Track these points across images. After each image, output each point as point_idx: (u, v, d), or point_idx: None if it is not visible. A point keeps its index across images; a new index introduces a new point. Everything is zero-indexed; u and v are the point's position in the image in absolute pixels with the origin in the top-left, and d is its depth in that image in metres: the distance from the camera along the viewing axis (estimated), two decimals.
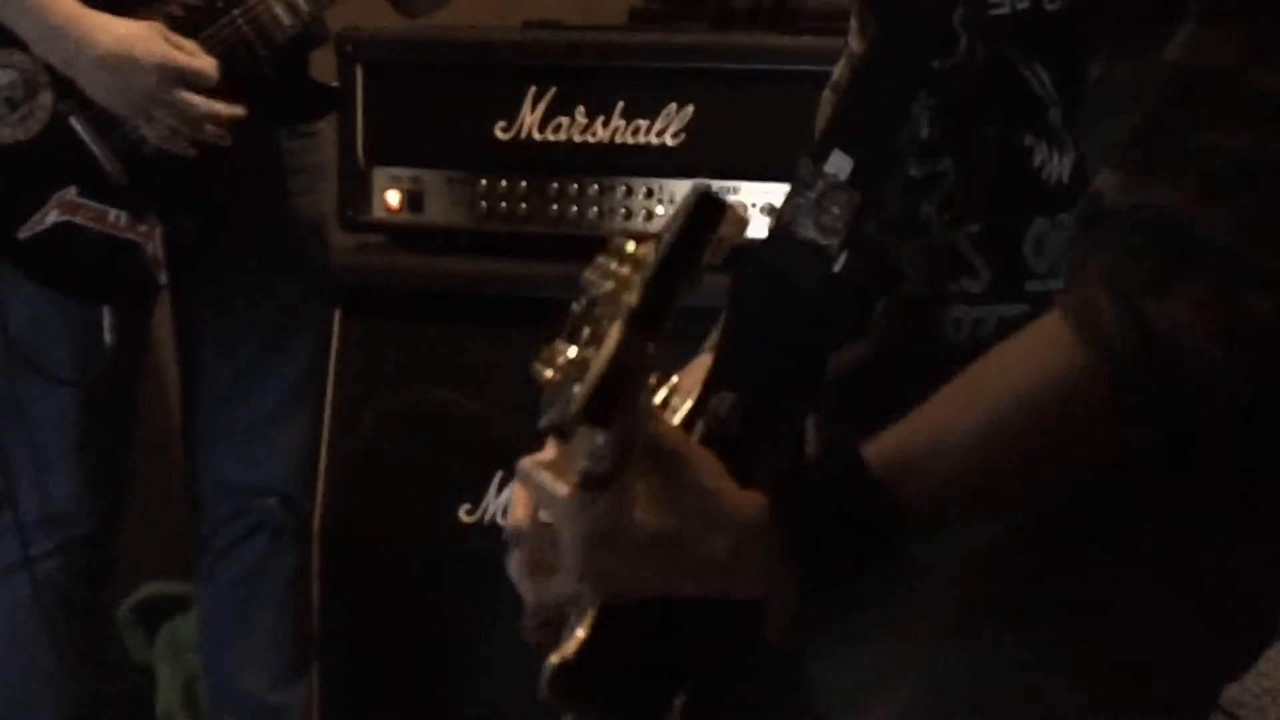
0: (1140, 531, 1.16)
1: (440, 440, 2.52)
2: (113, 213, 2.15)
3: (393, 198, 2.53)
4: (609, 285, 0.97)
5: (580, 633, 1.13)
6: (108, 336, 2.19)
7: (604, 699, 1.17)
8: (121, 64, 2.06)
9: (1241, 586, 1.19)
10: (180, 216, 2.16)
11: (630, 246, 0.97)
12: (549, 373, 0.98)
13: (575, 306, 1.02)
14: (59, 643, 2.29)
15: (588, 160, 2.45)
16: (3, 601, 2.31)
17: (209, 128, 2.11)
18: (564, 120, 2.45)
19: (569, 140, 2.45)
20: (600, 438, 0.96)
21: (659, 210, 2.43)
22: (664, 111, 2.40)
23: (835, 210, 1.21)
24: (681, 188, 2.42)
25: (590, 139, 2.44)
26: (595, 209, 2.46)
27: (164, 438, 2.76)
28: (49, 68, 2.11)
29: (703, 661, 1.18)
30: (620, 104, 2.42)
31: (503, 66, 2.50)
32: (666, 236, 0.96)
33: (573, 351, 0.96)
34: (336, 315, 2.54)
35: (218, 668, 2.40)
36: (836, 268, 1.20)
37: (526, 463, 1.11)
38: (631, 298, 0.95)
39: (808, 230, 1.22)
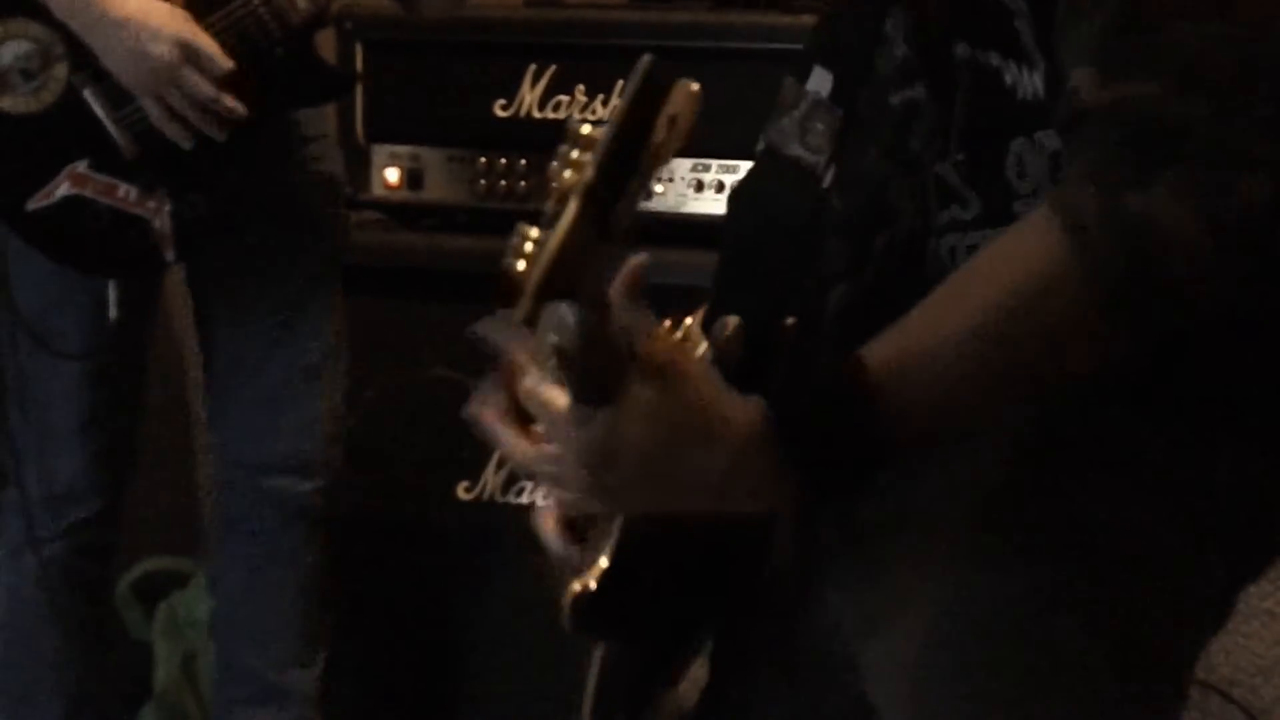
0: (1138, 456, 1.15)
1: (439, 417, 2.52)
2: (123, 187, 2.14)
3: (392, 175, 2.53)
4: (568, 170, 0.98)
5: (602, 561, 1.13)
6: (113, 311, 2.19)
7: (626, 628, 1.18)
8: (141, 31, 2.06)
9: (1242, 504, 1.18)
10: (191, 193, 2.16)
11: (585, 129, 0.98)
12: (520, 265, 0.98)
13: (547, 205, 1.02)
14: (63, 622, 2.30)
15: None
16: (9, 581, 2.31)
17: (209, 119, 2.10)
18: (564, 99, 2.45)
19: (569, 119, 2.44)
20: (570, 317, 0.94)
21: (657, 189, 2.43)
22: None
23: (820, 127, 1.21)
24: (681, 167, 2.42)
25: (590, 117, 2.44)
26: None
27: (163, 413, 2.77)
28: (65, 40, 2.10)
29: (723, 591, 1.18)
30: (620, 82, 2.42)
31: (503, 44, 2.50)
32: (615, 111, 0.97)
33: (534, 233, 0.97)
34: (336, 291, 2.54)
35: (229, 648, 2.40)
36: (825, 184, 1.20)
37: (529, 383, 1.09)
38: (586, 173, 0.95)
39: (794, 149, 1.22)
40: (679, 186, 2.42)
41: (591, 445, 1.03)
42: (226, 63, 2.09)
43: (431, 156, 2.52)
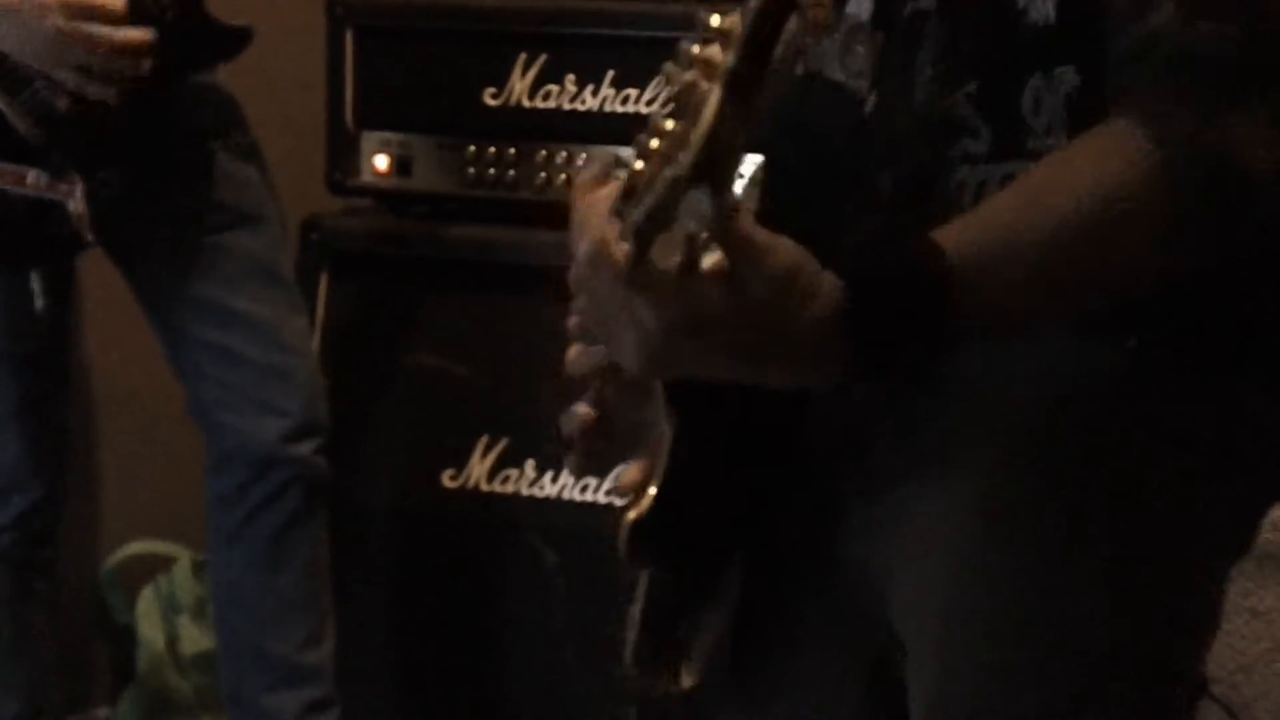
0: (1159, 401, 1.16)
1: (425, 405, 2.52)
2: (32, 173, 2.12)
3: (381, 162, 2.53)
4: (698, 63, 0.95)
5: (651, 489, 1.16)
6: (38, 302, 2.19)
7: (676, 553, 1.20)
8: (23, 7, 2.05)
9: (1259, 450, 1.20)
10: (102, 170, 2.14)
11: (715, 20, 0.96)
12: (639, 164, 0.97)
13: (659, 107, 1.00)
14: (19, 609, 2.30)
15: (577, 128, 2.44)
16: None
17: (123, 61, 2.09)
18: (554, 88, 2.44)
19: (558, 108, 2.44)
20: (706, 204, 0.94)
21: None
22: (654, 80, 2.40)
23: (860, 50, 1.20)
24: None
25: (580, 107, 2.44)
26: None
27: (142, 396, 2.76)
28: None
29: (763, 508, 1.20)
30: (610, 72, 2.42)
31: (493, 33, 2.49)
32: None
33: (669, 124, 0.94)
34: (323, 278, 2.54)
35: (242, 635, 2.38)
36: (867, 110, 1.20)
37: (608, 247, 1.05)
38: (728, 59, 0.94)
39: (835, 72, 1.21)
40: None
41: (686, 309, 1.02)
42: (119, 4, 2.07)
43: (421, 144, 2.52)
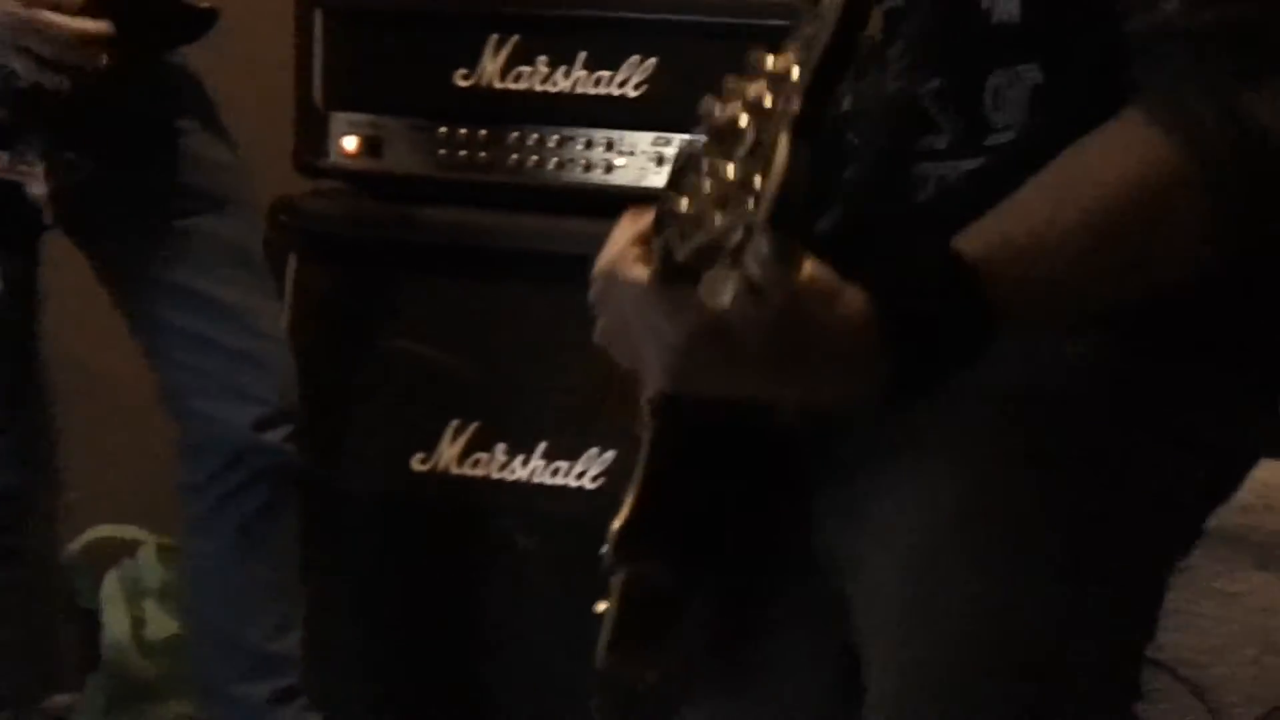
0: (1126, 386, 1.17)
1: (395, 388, 2.51)
2: None
3: (350, 143, 2.52)
4: (748, 103, 0.94)
5: (631, 496, 1.18)
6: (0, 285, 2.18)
7: (661, 552, 1.21)
8: None
9: (1221, 434, 1.21)
10: (67, 152, 2.13)
11: (769, 61, 0.95)
12: (684, 201, 0.96)
13: (687, 146, 1.00)
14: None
15: (548, 110, 2.43)
16: None
17: (80, 51, 2.07)
18: (525, 69, 2.43)
19: (530, 90, 2.43)
20: (772, 251, 0.92)
21: (619, 162, 2.42)
22: (626, 63, 2.39)
23: None
24: (643, 140, 2.41)
25: (551, 89, 2.43)
26: (555, 159, 2.44)
27: (108, 380, 2.75)
28: None
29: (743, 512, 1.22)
30: (582, 54, 2.41)
31: (464, 13, 2.48)
32: (820, 38, 0.94)
33: (731, 170, 0.93)
34: (292, 260, 2.52)
35: (212, 623, 2.37)
36: (844, 108, 1.19)
37: (615, 261, 1.08)
38: (795, 104, 0.93)
39: None
40: (640, 160, 2.41)
41: (704, 319, 1.01)
42: None
43: (391, 125, 2.50)
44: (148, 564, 2.73)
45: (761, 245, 0.92)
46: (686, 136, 2.45)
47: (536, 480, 2.44)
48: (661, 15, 2.39)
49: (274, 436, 2.30)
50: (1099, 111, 1.11)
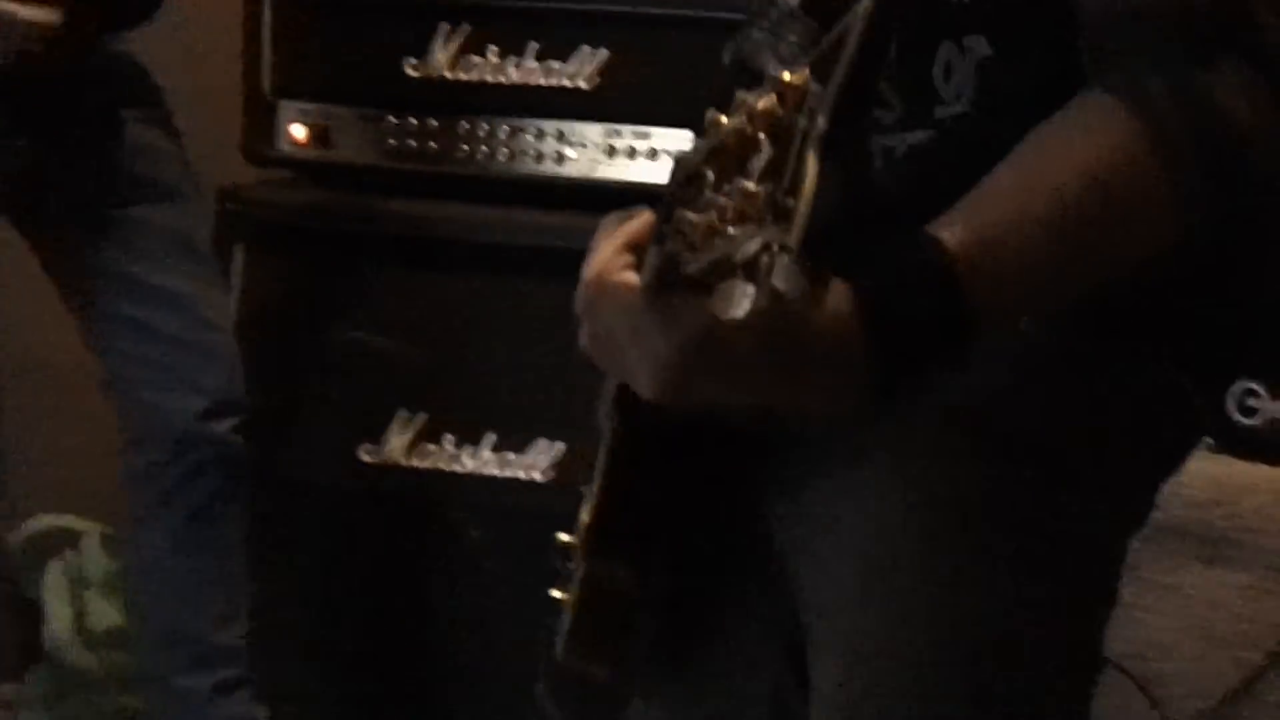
0: (1072, 373, 1.17)
1: (343, 379, 2.50)
2: None
3: (299, 132, 2.50)
4: (759, 117, 0.93)
5: (594, 491, 1.19)
6: None
7: (623, 551, 1.22)
8: None
9: (1165, 421, 1.21)
10: (8, 138, 2.11)
11: (788, 75, 0.93)
12: (693, 215, 0.95)
13: (692, 152, 0.99)
14: None
15: (499, 101, 2.42)
16: None
17: (18, 36, 2.04)
18: (476, 59, 2.42)
19: (481, 80, 2.42)
20: (796, 270, 0.91)
21: (570, 154, 2.41)
22: (578, 54, 2.38)
23: (792, 39, 1.19)
24: (594, 132, 2.40)
25: (502, 80, 2.42)
26: (506, 150, 2.44)
27: (51, 367, 2.72)
28: None
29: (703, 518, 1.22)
30: (533, 45, 2.40)
31: (415, 3, 2.47)
32: (845, 56, 0.93)
33: (751, 185, 0.92)
34: (240, 250, 2.51)
35: (156, 614, 2.35)
36: None
37: (605, 270, 1.07)
38: (820, 122, 0.92)
39: (767, 61, 1.20)
40: (591, 153, 2.40)
41: (696, 329, 1.01)
42: None
43: (341, 114, 2.49)
44: (91, 555, 2.71)
45: (786, 261, 0.91)
46: (640, 128, 2.46)
47: (486, 472, 2.44)
48: (613, 6, 2.39)
49: (220, 427, 2.28)
50: (1048, 86, 1.12)
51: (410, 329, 2.47)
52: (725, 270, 0.93)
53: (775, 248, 0.90)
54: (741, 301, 0.92)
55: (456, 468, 2.45)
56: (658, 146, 2.37)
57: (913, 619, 1.14)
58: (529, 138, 2.43)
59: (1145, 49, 1.09)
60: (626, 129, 2.39)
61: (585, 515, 1.20)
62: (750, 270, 0.91)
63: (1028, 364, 1.16)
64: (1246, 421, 2.32)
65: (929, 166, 1.12)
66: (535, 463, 2.42)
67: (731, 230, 0.92)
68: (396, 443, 2.47)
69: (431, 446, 2.46)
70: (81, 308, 2.31)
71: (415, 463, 2.46)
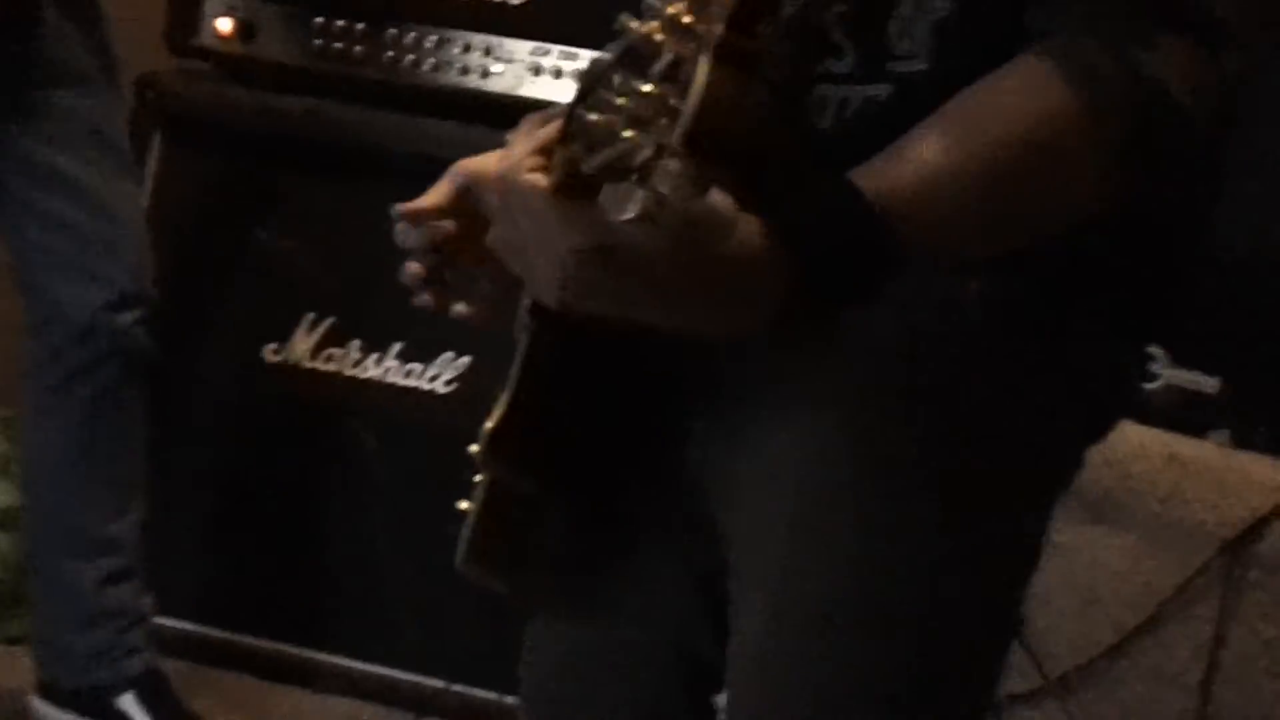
0: (1008, 329, 1.17)
1: (251, 278, 2.49)
2: None
3: (224, 24, 2.47)
4: (666, 22, 0.93)
5: (504, 397, 1.18)
6: None
7: (529, 458, 1.21)
8: None
9: (1094, 382, 1.22)
10: None
11: None
12: (595, 116, 0.95)
13: (603, 56, 0.98)
14: None
15: (429, 10, 2.41)
16: None
17: None
18: None
19: None
20: (683, 176, 0.91)
21: (495, 69, 2.40)
22: None
23: None
24: (521, 49, 2.39)
25: None
26: (431, 60, 2.42)
27: None
28: None
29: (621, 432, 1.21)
30: None
31: None
32: None
33: (647, 88, 0.92)
34: (157, 139, 2.48)
35: (47, 501, 2.33)
36: None
37: (514, 170, 1.06)
38: (715, 28, 0.92)
39: None
40: (517, 69, 2.39)
41: (593, 237, 1.00)
42: None
43: (266, 10, 2.46)
44: None
45: (672, 165, 0.91)
46: (567, 49, 2.45)
47: (389, 380, 2.44)
48: None
49: (124, 319, 2.26)
50: (1005, 47, 1.12)
51: (323, 234, 2.45)
52: (618, 172, 0.93)
53: (664, 151, 0.90)
54: (628, 204, 0.92)
55: (360, 373, 2.45)
56: (584, 69, 2.36)
57: (839, 564, 1.14)
58: (456, 50, 2.41)
59: (1087, 22, 1.10)
60: (555, 48, 2.37)
61: (491, 421, 1.18)
62: (641, 173, 0.91)
63: (957, 315, 1.16)
64: (1146, 385, 2.35)
65: (883, 122, 1.12)
66: (440, 375, 2.42)
67: (626, 134, 0.92)
68: (301, 345, 2.46)
69: (337, 351, 2.45)
70: None
71: (319, 366, 2.46)
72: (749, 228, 1.03)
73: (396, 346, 2.43)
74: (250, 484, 2.50)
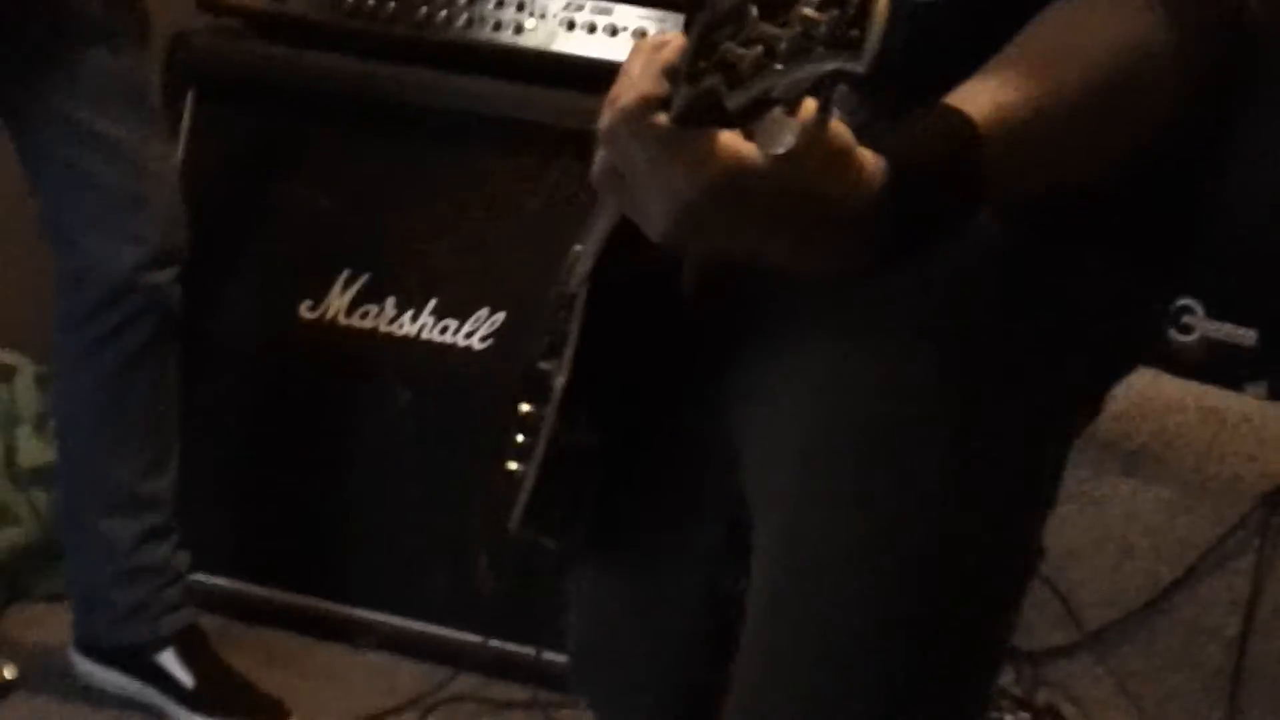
0: (1018, 269, 1.17)
1: (287, 235, 2.49)
2: None
3: None
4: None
5: (568, 354, 1.19)
6: None
7: (596, 425, 1.23)
8: None
9: (1108, 320, 1.21)
10: None
11: None
12: (741, 50, 0.91)
13: None
14: None
15: None
16: None
17: None
18: None
19: None
20: (852, 100, 0.91)
21: (529, 24, 2.39)
22: None
23: None
24: (554, 4, 2.38)
25: None
26: (465, 16, 2.41)
27: None
28: None
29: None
30: None
31: None
32: None
33: (813, 12, 0.89)
34: (190, 98, 2.48)
35: (82, 458, 2.34)
36: None
37: (632, 99, 1.02)
38: None
39: None
40: (550, 24, 2.38)
41: (725, 173, 0.98)
42: None
43: None
44: (24, 391, 2.70)
45: (844, 97, 0.88)
46: (602, 4, 2.43)
47: (424, 337, 2.44)
48: None
49: (159, 277, 2.27)
50: None
51: (357, 191, 2.45)
52: (768, 106, 0.91)
53: (826, 82, 0.88)
54: (784, 136, 0.90)
55: (396, 330, 2.45)
56: (618, 24, 2.35)
57: (850, 517, 1.15)
58: (489, 5, 2.40)
59: None
60: (588, 3, 2.37)
61: (563, 376, 1.19)
62: (795, 105, 0.88)
63: (973, 247, 1.16)
64: (1182, 338, 2.34)
65: (940, 26, 1.10)
66: (476, 331, 2.42)
67: (779, 66, 0.90)
68: (338, 302, 2.47)
69: (373, 307, 2.46)
70: (22, 147, 2.28)
71: (355, 323, 2.46)
72: (868, 159, 1.01)
73: (431, 303, 2.44)
74: (286, 441, 2.51)
